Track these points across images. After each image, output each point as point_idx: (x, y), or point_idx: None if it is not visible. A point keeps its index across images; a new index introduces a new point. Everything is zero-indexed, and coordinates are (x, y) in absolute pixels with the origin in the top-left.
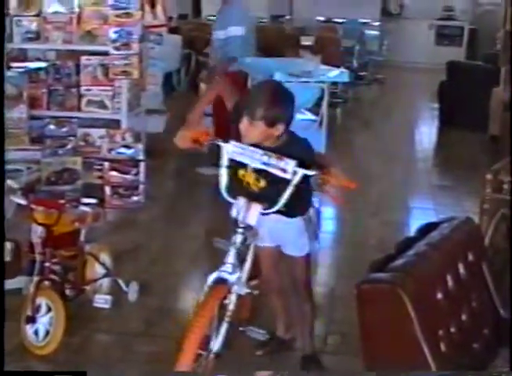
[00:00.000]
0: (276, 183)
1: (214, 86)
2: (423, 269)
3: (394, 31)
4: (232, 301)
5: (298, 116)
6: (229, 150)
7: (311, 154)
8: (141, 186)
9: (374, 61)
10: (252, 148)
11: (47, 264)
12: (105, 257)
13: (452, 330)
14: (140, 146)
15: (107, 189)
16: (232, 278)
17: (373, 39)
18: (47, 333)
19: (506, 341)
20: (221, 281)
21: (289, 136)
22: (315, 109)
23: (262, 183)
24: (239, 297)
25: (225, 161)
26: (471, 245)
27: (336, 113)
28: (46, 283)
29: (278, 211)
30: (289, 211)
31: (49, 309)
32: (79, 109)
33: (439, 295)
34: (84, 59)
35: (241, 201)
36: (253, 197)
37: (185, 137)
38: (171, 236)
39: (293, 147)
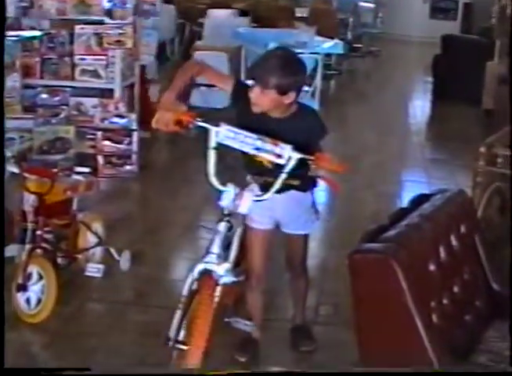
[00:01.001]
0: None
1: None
2: (415, 240)
3: (388, 4)
4: (218, 293)
5: None
6: (221, 134)
7: (321, 125)
8: (134, 156)
9: (369, 33)
10: (246, 132)
11: (39, 232)
12: (97, 226)
13: (445, 301)
14: (133, 116)
15: (100, 159)
16: (219, 270)
17: (367, 11)
18: (39, 301)
19: (498, 313)
20: (207, 273)
21: (298, 106)
22: (309, 80)
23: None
24: (225, 285)
25: (212, 143)
26: (464, 217)
27: (329, 84)
28: (38, 251)
29: (292, 187)
30: (302, 185)
31: (41, 277)
32: (72, 78)
33: (431, 267)
34: (78, 29)
35: (232, 189)
36: (268, 175)
37: (166, 119)
38: (164, 207)
39: (304, 118)
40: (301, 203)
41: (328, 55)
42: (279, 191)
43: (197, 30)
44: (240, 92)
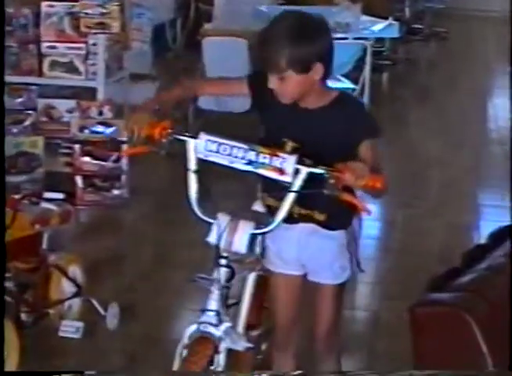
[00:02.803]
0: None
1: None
2: (497, 288)
3: None
4: (219, 363)
5: (331, 84)
6: (200, 147)
7: (369, 119)
8: (123, 177)
9: (433, 9)
10: (233, 142)
11: None
12: (75, 270)
13: None
14: (122, 124)
15: (79, 181)
16: (217, 332)
17: None
18: None
19: None
20: (204, 335)
21: (340, 93)
22: (355, 74)
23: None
24: (235, 353)
25: (192, 164)
26: None
27: (382, 79)
28: None
29: (313, 221)
30: (330, 219)
31: None
32: (40, 73)
33: None
34: (45, 6)
35: (223, 219)
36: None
37: (141, 122)
38: (163, 243)
39: (345, 107)
40: (328, 244)
41: (379, 40)
42: (295, 220)
43: (206, 8)
44: (258, 87)
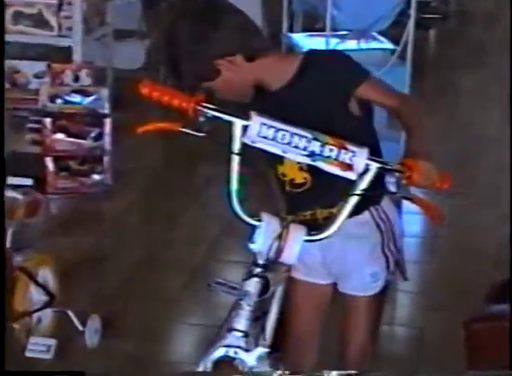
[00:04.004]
0: (329, 176)
1: None
2: None
3: None
4: None
5: (363, 44)
6: (253, 131)
7: (348, 66)
8: (106, 158)
9: None
10: (294, 129)
11: None
12: (46, 274)
13: None
14: (105, 92)
15: (50, 163)
16: (250, 360)
17: None
18: None
19: None
20: (228, 361)
21: (304, 56)
22: (394, 31)
23: (305, 176)
24: None
25: (236, 145)
26: None
27: (429, 37)
28: None
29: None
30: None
31: None
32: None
33: None
34: None
35: (269, 222)
36: (302, 202)
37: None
38: (154, 240)
39: (317, 66)
40: (359, 241)
41: None
42: (318, 225)
43: None
44: None
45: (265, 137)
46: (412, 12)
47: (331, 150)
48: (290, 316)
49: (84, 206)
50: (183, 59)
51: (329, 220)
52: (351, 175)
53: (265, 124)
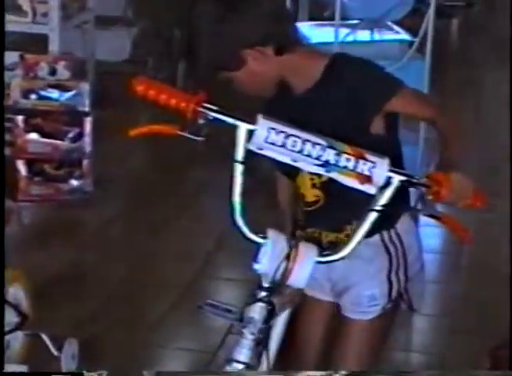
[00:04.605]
0: (343, 191)
1: None
2: None
3: None
4: None
5: (377, 35)
6: (260, 136)
7: (378, 77)
8: (86, 162)
9: None
10: (306, 134)
11: None
12: (18, 292)
13: None
14: (85, 87)
15: (22, 167)
16: None
17: None
18: None
19: None
20: None
21: (331, 58)
22: (412, 20)
23: (317, 193)
24: None
25: (239, 154)
26: None
27: (450, 27)
28: None
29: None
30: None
31: None
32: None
33: None
34: None
35: (276, 239)
36: (303, 221)
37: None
38: (140, 254)
39: (342, 75)
40: (364, 262)
41: None
42: (334, 244)
43: None
44: None
45: (273, 143)
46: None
47: (348, 160)
48: (295, 326)
49: (60, 215)
50: (205, 42)
51: (339, 241)
52: (370, 189)
53: (273, 128)
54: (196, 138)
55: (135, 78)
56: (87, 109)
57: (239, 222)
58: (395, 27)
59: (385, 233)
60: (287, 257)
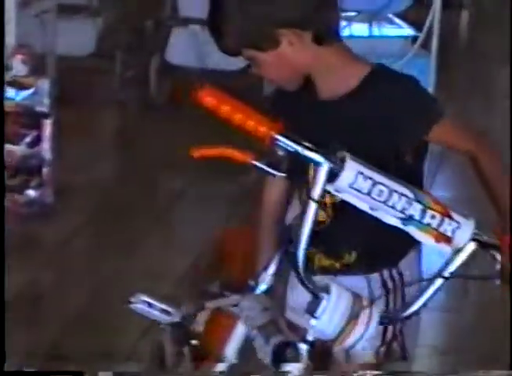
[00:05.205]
0: (353, 216)
1: None
2: None
3: None
4: None
5: (376, 30)
6: (346, 180)
7: (424, 101)
8: (45, 170)
9: None
10: (394, 184)
11: None
12: None
13: None
14: (45, 85)
15: None
16: None
17: None
18: None
19: None
20: None
21: (372, 69)
22: (416, 13)
23: (326, 214)
24: None
25: (316, 192)
26: None
27: (459, 21)
28: None
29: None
30: (361, 259)
31: None
32: (1, 28)
33: None
34: None
35: (340, 295)
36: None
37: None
38: (103, 274)
39: (384, 91)
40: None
41: None
42: (326, 270)
43: None
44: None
45: (358, 190)
46: None
47: (433, 217)
48: None
49: (16, 230)
50: (233, 14)
51: (331, 269)
52: (446, 249)
53: (361, 173)
54: (274, 172)
55: (203, 87)
56: (46, 109)
57: (302, 271)
58: (397, 20)
59: (386, 272)
60: (353, 317)
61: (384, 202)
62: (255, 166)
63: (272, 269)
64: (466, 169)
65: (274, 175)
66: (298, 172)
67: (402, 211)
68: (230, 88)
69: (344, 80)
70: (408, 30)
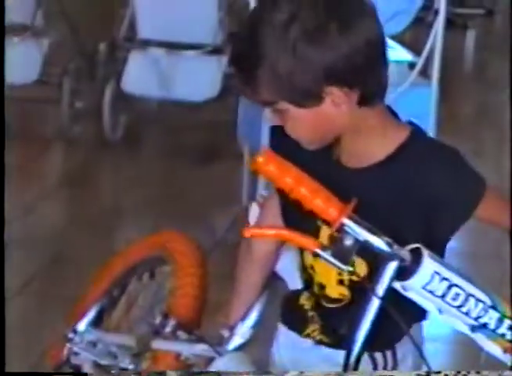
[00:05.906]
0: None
1: None
2: None
3: None
4: None
5: None
6: (421, 280)
7: (468, 179)
8: None
9: None
10: (471, 286)
11: None
12: None
13: None
14: None
15: None
16: None
17: None
18: None
19: None
20: None
21: (411, 132)
22: (414, 34)
23: (344, 292)
24: None
25: (381, 289)
26: None
27: (464, 43)
28: None
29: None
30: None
31: None
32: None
33: None
34: None
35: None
36: (325, 323)
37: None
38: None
39: (421, 162)
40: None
41: None
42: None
43: None
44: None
45: (430, 292)
46: (442, 6)
47: (509, 328)
48: None
49: None
50: (273, 60)
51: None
52: (507, 360)
53: (438, 273)
54: (342, 266)
55: (264, 151)
56: None
57: None
58: (393, 43)
59: (379, 355)
60: None
61: (458, 307)
62: (318, 255)
63: (250, 320)
64: None
65: (342, 269)
66: (302, 218)
67: (476, 319)
68: (197, 122)
69: (381, 146)
70: (405, 54)
